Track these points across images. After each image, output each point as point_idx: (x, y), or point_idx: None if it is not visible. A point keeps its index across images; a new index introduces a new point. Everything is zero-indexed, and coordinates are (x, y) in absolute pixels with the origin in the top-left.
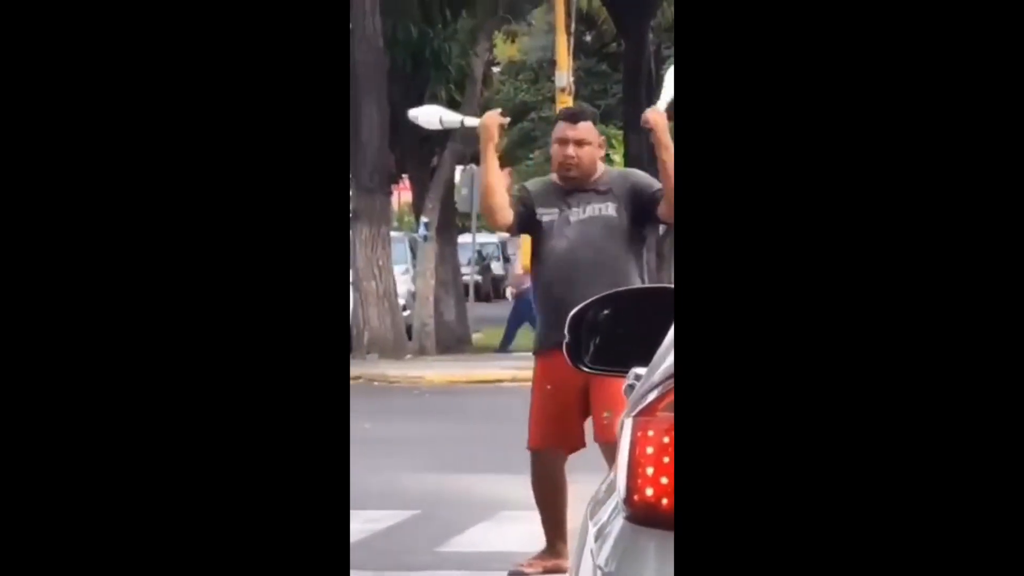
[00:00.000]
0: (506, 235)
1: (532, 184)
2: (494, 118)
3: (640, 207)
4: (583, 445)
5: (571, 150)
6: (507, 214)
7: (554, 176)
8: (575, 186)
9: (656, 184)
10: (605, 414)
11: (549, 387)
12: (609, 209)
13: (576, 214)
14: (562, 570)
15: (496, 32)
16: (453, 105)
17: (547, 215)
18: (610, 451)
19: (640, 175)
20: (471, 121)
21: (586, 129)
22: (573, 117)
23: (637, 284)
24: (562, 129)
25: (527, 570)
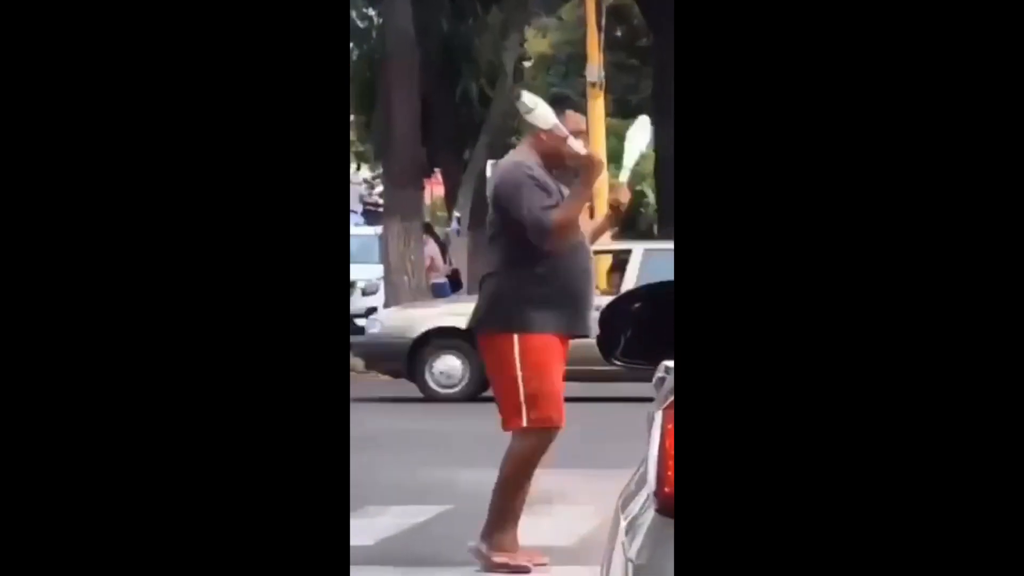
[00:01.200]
0: None
1: (537, 172)
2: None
3: None
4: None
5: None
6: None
7: (538, 160)
8: (563, 177)
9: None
10: None
11: (558, 367)
12: None
13: None
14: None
15: (527, 26)
16: (483, 100)
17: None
18: None
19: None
20: (576, 145)
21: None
22: (577, 107)
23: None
24: (579, 121)
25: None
